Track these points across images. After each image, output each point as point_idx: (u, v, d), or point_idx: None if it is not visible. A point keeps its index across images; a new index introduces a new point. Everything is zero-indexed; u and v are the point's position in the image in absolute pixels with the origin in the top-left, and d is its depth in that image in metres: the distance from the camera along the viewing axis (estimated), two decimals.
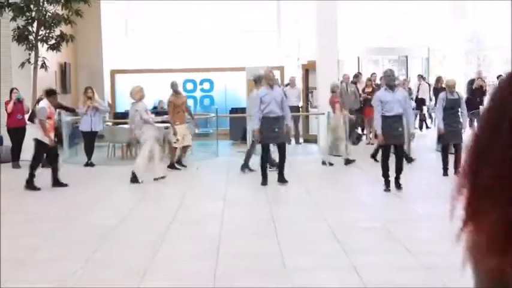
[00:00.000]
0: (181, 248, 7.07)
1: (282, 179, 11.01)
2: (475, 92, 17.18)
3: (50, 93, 11.29)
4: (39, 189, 10.67)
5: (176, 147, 13.02)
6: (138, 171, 11.32)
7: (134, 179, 11.30)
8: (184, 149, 13.22)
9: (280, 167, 11.04)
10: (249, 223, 8.38)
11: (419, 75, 22.10)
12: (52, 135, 11.08)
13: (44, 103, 11.11)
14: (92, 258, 6.67)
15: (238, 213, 8.93)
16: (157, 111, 16.61)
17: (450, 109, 11.42)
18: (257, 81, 12.16)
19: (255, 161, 11.92)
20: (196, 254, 6.80)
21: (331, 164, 13.19)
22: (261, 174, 11.00)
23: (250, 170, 12.28)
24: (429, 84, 20.96)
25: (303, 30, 22.68)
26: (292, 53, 23.40)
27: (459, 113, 11.49)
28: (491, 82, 20.96)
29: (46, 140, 10.86)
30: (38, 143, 10.96)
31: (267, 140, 10.98)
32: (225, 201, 9.73)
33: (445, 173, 11.45)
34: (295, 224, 8.18)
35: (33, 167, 10.80)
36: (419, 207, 9.13)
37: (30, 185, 10.72)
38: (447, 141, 11.57)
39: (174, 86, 13.25)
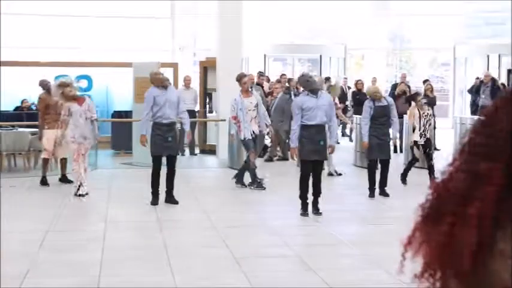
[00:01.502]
0: (52, 280, 6.86)
1: (170, 199, 10.87)
2: (398, 98, 17.70)
3: None
4: None
5: (47, 158, 12.65)
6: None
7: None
8: (62, 161, 12.83)
9: (169, 184, 10.90)
10: (136, 250, 8.24)
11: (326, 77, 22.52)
12: None
13: None
14: None
15: (123, 238, 8.77)
16: (20, 112, 16.13)
17: (379, 118, 11.42)
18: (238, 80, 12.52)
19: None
20: (72, 287, 6.63)
21: (339, 174, 13.57)
22: (152, 193, 10.87)
23: (244, 185, 12.54)
24: (345, 88, 21.23)
25: (201, 20, 22.63)
26: (187, 46, 23.28)
27: (390, 121, 11.53)
28: (415, 87, 21.69)
29: None
30: None
31: (158, 151, 10.83)
32: (107, 223, 9.54)
33: (372, 194, 11.49)
34: (191, 251, 8.11)
35: None
36: (338, 233, 9.27)
37: None
38: (375, 157, 11.56)
39: (43, 84, 12.91)
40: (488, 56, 24.50)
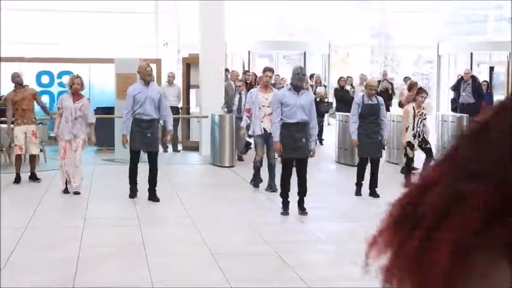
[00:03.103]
0: (28, 277, 6.82)
1: (152, 197, 10.86)
2: (381, 95, 17.71)
3: None
4: None
5: (19, 154, 12.53)
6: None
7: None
8: (33, 159, 12.71)
9: (151, 181, 10.87)
10: (114, 247, 8.21)
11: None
12: None
13: None
14: None
15: (102, 235, 8.73)
16: None
17: (368, 116, 11.18)
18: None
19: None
20: (48, 284, 6.59)
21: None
22: (130, 187, 10.89)
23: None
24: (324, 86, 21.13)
25: (184, 16, 22.56)
26: (171, 42, 23.20)
27: (380, 121, 11.25)
28: (398, 84, 21.74)
29: None
30: None
31: (136, 146, 10.82)
32: (86, 220, 9.50)
33: (359, 193, 11.34)
34: (170, 248, 8.09)
35: None
36: (317, 231, 9.27)
37: None
38: (366, 155, 11.31)
39: (14, 78, 12.82)
40: (471, 54, 24.59)
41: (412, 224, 0.95)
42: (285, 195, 10.00)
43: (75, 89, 11.51)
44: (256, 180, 12.03)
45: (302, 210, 9.92)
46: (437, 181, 0.95)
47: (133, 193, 10.96)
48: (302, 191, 9.91)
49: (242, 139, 14.88)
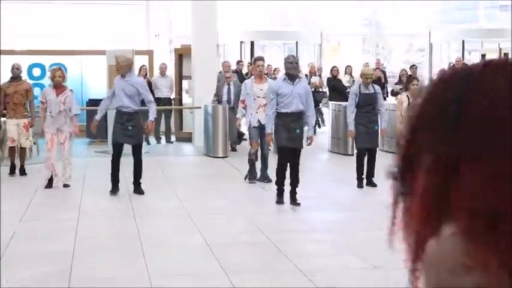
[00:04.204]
0: (24, 269, 6.82)
1: (138, 189, 10.72)
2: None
3: None
4: None
5: (13, 147, 12.48)
6: None
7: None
8: (23, 151, 12.63)
9: (135, 174, 10.73)
10: (109, 239, 8.21)
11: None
12: None
13: None
14: None
15: (96, 227, 8.74)
16: None
17: (365, 106, 11.03)
18: None
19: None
20: (44, 276, 6.59)
21: None
22: (111, 182, 10.73)
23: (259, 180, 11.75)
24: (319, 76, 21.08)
25: (176, 7, 22.48)
26: (163, 33, 23.13)
27: (377, 111, 11.15)
28: (391, 73, 21.72)
29: None
30: None
31: (116, 138, 10.69)
32: (80, 212, 9.49)
33: (360, 185, 11.17)
34: (165, 239, 8.10)
35: None
36: (313, 220, 9.28)
37: None
38: (362, 145, 11.16)
39: (13, 69, 12.77)
40: (463, 41, 24.59)
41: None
42: (280, 184, 9.92)
43: (58, 82, 11.32)
44: (252, 173, 11.78)
45: (294, 201, 9.82)
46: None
47: (114, 189, 10.70)
48: (294, 182, 9.82)
49: (234, 129, 14.84)
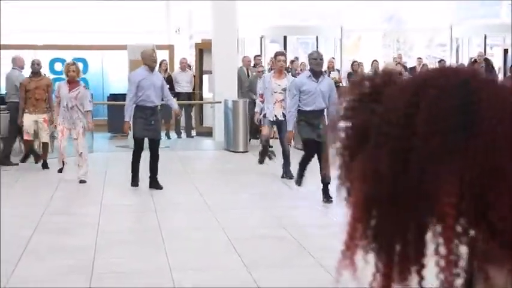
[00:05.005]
0: (46, 263, 6.82)
1: (154, 184, 10.62)
2: None
3: None
4: None
5: (28, 139, 12.53)
6: None
7: None
8: (44, 146, 12.67)
9: (153, 169, 10.65)
10: (131, 233, 8.21)
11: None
12: None
13: None
14: None
15: (118, 221, 8.74)
16: None
17: None
18: None
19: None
20: (66, 270, 6.59)
21: None
22: (131, 175, 10.74)
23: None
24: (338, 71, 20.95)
25: (196, 2, 22.44)
26: (183, 28, 23.11)
27: None
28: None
29: None
30: None
31: (141, 133, 10.59)
32: (102, 206, 9.49)
33: None
34: (186, 234, 8.08)
35: None
36: (335, 215, 9.22)
37: None
38: None
39: (33, 64, 12.82)
40: (485, 36, 24.38)
41: None
42: (302, 168, 9.65)
43: (72, 77, 11.23)
44: (264, 155, 11.78)
45: (327, 198, 9.49)
46: None
47: (135, 182, 10.73)
48: (325, 177, 9.32)
49: (253, 124, 14.78)
